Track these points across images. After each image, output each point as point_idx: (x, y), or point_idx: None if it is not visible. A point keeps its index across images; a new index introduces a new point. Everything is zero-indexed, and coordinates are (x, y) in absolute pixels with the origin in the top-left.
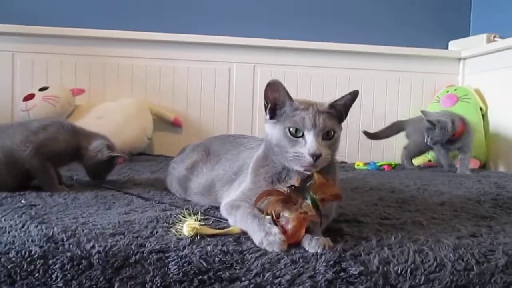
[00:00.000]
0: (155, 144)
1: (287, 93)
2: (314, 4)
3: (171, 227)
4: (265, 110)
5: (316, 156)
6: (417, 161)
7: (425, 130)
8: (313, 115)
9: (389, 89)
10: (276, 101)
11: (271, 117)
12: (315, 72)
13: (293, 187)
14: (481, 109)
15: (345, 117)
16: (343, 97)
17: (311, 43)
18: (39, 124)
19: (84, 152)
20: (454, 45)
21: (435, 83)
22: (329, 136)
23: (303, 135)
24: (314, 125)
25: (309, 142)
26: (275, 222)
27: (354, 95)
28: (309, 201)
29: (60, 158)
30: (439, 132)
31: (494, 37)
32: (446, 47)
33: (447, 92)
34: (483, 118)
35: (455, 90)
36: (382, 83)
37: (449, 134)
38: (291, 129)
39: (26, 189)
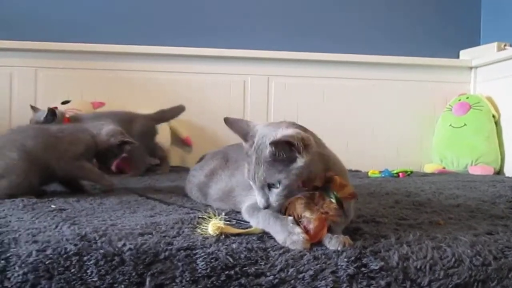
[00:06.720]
0: (172, 155)
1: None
2: (328, 16)
3: (197, 227)
4: None
5: (264, 207)
6: (430, 169)
7: None
8: (253, 168)
9: (402, 99)
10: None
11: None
12: (328, 83)
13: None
14: (493, 116)
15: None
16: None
17: (324, 54)
18: (57, 128)
19: (96, 138)
20: (465, 54)
21: (447, 92)
22: (275, 186)
23: None
24: (254, 179)
25: (256, 195)
26: (297, 222)
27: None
28: (333, 200)
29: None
30: None
31: (505, 45)
32: (457, 56)
33: (459, 100)
34: (496, 125)
35: (467, 98)
36: (395, 93)
37: None
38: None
39: (53, 195)
